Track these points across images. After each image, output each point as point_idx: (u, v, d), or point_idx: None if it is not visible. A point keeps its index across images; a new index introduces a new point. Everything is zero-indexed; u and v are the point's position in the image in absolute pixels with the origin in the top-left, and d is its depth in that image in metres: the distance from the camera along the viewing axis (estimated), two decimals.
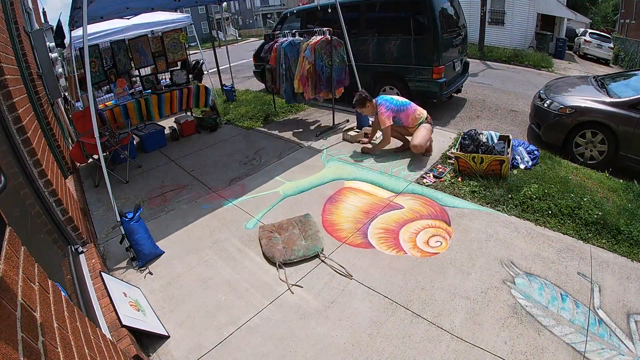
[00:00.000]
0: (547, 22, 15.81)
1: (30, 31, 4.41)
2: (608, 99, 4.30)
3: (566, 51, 15.27)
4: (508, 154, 3.63)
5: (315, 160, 4.40)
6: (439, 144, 4.54)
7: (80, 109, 5.24)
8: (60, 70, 5.08)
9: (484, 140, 3.79)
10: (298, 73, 4.89)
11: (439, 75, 5.45)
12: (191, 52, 7.44)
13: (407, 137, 4.30)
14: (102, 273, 2.34)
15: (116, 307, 2.04)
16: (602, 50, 16.03)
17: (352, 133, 4.84)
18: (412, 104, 4.21)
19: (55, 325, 1.07)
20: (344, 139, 4.90)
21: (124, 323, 1.96)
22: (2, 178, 0.98)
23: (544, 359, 1.89)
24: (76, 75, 5.92)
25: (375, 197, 3.48)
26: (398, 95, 6.02)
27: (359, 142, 4.71)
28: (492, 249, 2.71)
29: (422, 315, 2.19)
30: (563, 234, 2.85)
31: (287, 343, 2.08)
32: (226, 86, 7.74)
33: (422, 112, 4.19)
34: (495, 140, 3.87)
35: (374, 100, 4.23)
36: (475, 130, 3.88)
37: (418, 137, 4.00)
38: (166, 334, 2.16)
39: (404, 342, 2.03)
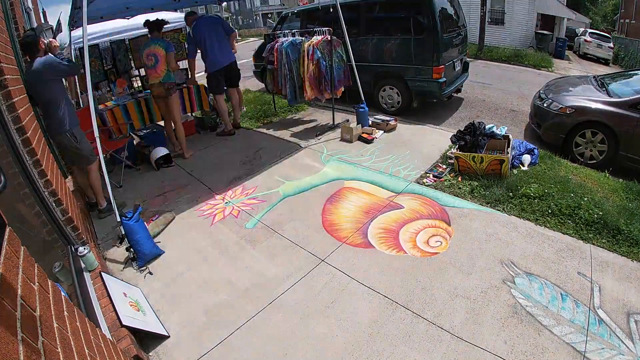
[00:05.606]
0: (547, 21, 15.82)
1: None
2: (608, 99, 4.30)
3: (566, 51, 15.27)
4: (508, 153, 3.63)
5: (315, 160, 4.40)
6: (439, 144, 4.53)
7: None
8: None
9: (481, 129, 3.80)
10: (306, 75, 4.86)
11: (439, 75, 5.45)
12: None
13: None
14: (102, 273, 2.34)
15: (116, 307, 2.04)
16: (602, 50, 16.01)
17: (347, 131, 4.81)
18: None
19: (55, 325, 1.07)
20: (342, 139, 4.90)
21: (124, 323, 1.96)
22: (2, 178, 0.98)
23: (544, 358, 1.90)
24: (76, 77, 5.90)
25: (375, 197, 3.48)
26: (398, 95, 6.03)
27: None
28: (492, 248, 2.71)
29: (422, 315, 2.19)
30: (563, 233, 2.85)
31: (288, 343, 2.08)
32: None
33: None
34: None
35: None
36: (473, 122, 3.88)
37: None
38: (166, 334, 2.16)
39: (404, 342, 2.04)
